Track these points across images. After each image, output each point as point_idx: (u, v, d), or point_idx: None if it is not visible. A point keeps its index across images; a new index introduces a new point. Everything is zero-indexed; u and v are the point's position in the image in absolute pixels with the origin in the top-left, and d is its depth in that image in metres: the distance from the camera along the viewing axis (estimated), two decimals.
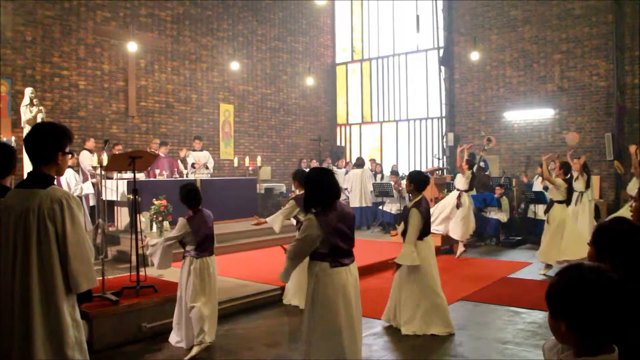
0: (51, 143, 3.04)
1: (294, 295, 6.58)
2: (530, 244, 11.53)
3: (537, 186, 12.33)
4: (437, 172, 12.68)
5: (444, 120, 16.79)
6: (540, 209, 11.71)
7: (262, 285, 7.26)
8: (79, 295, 3.01)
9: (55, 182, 3.09)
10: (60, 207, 2.95)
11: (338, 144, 19.24)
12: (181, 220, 5.08)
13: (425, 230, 5.61)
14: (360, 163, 14.27)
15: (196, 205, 5.16)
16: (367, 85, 18.89)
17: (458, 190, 10.28)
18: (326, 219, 3.60)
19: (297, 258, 3.66)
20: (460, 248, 10.25)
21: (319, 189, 3.69)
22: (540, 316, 6.13)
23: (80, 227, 2.99)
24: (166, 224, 9.29)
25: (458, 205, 10.10)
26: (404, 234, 5.61)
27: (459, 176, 10.39)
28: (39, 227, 2.94)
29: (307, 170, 6.02)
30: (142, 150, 6.81)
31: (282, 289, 7.12)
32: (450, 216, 10.22)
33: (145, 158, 6.07)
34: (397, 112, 18.22)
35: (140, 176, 10.27)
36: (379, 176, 14.90)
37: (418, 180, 5.64)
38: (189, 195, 5.13)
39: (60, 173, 3.09)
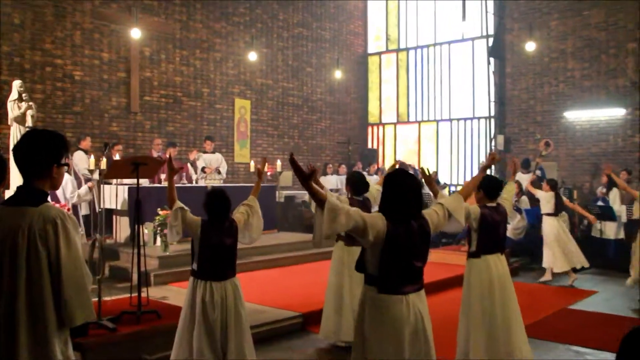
0: (46, 154, 2.99)
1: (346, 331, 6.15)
2: (595, 269, 11.22)
3: (612, 200, 11.93)
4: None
5: (492, 120, 16.80)
6: (609, 227, 11.36)
7: (281, 311, 7.15)
8: (73, 329, 2.96)
9: (49, 197, 3.04)
10: (54, 228, 2.91)
11: (369, 146, 19.38)
12: (196, 219, 4.87)
13: (488, 245, 5.48)
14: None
15: (216, 214, 4.91)
16: (404, 79, 19.00)
17: (544, 214, 10.25)
18: (396, 230, 3.53)
19: (334, 220, 3.40)
20: (572, 276, 10.06)
21: (402, 195, 3.62)
22: (608, 358, 5.92)
23: (77, 251, 2.94)
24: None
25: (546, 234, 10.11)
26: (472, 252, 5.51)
27: (541, 197, 10.26)
28: (28, 250, 2.89)
29: (343, 175, 6.13)
30: (147, 156, 6.76)
31: (310, 316, 6.91)
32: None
33: (151, 165, 6.03)
34: (438, 111, 18.25)
35: (144, 181, 10.30)
36: None
37: (489, 186, 5.53)
38: (208, 201, 4.91)
39: (56, 187, 3.05)
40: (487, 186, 5.52)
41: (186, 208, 4.88)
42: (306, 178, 3.42)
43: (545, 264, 10.16)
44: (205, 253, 4.79)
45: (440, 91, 18.17)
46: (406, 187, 3.63)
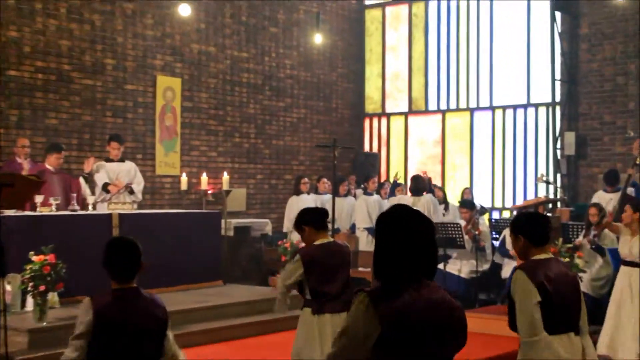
0: None
1: None
2: None
3: None
4: (544, 205, 13.16)
5: (557, 109, 16.94)
6: None
7: None
8: None
9: None
10: None
11: (366, 149, 19.62)
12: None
13: (555, 322, 5.50)
14: (420, 187, 14.65)
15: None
16: (420, 46, 19.17)
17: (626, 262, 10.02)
18: (396, 309, 3.61)
19: None
20: None
21: (404, 244, 3.72)
22: None
23: None
24: (53, 296, 9.31)
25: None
26: (513, 324, 5.61)
27: (621, 232, 10.13)
28: None
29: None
30: (14, 174, 6.18)
31: None
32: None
33: (20, 188, 6.03)
34: (473, 95, 18.35)
35: (9, 210, 10.07)
36: (439, 209, 15.27)
37: (532, 228, 5.63)
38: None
39: None
40: (529, 226, 5.67)
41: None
42: None
43: (602, 346, 9.73)
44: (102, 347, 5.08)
45: (477, 65, 18.27)
46: (412, 235, 3.75)
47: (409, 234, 3.73)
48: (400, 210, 3.85)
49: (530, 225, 5.63)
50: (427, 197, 14.43)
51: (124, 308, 5.08)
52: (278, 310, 7.17)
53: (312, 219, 6.85)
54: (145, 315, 5.15)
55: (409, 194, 14.72)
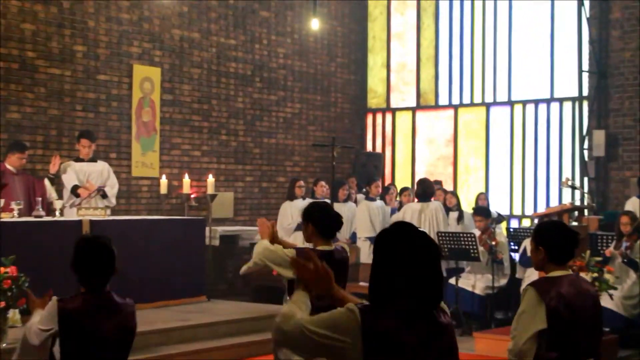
0: None
1: None
2: None
3: None
4: (570, 212, 13.20)
5: (584, 104, 17.08)
6: None
7: None
8: None
9: None
10: None
11: (369, 148, 19.81)
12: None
13: (571, 350, 5.57)
14: (428, 191, 14.71)
15: (95, 283, 5.42)
16: (430, 33, 19.30)
17: None
18: (384, 327, 3.71)
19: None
20: None
21: (403, 269, 3.78)
22: None
23: None
24: (14, 314, 9.30)
25: None
26: None
27: None
28: None
29: (310, 203, 7.39)
30: None
31: None
32: None
33: None
34: (489, 88, 18.40)
35: None
36: (451, 217, 15.42)
37: (555, 241, 5.66)
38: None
39: None
40: (552, 238, 5.70)
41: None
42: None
43: None
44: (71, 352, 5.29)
45: (494, 54, 18.38)
46: (411, 258, 3.79)
47: (409, 259, 3.74)
48: (402, 229, 3.86)
49: (554, 237, 5.62)
50: (435, 203, 14.52)
51: (92, 314, 5.22)
52: (242, 272, 7.52)
53: (320, 221, 6.85)
54: (115, 325, 5.32)
55: (415, 199, 14.77)
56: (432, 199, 14.57)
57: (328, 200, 14.28)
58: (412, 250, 3.79)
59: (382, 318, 3.75)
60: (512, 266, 13.60)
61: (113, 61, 14.93)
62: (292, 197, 15.23)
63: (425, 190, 14.52)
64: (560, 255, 5.62)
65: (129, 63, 15.14)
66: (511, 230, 15.47)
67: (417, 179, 16.42)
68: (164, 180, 13.80)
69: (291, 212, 14.47)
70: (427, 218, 14.24)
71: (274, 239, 7.02)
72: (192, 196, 14.46)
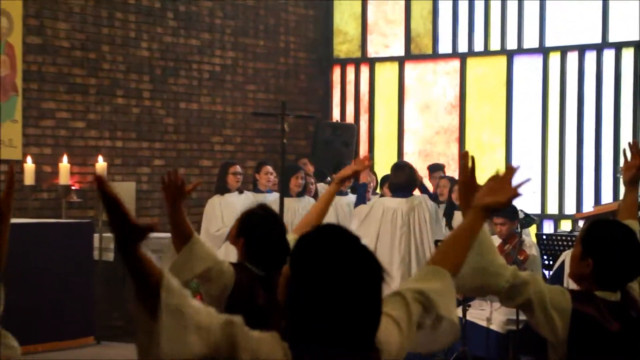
0: None
1: None
2: None
3: None
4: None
5: None
6: None
7: None
8: None
9: None
10: None
11: (336, 118, 20.82)
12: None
13: None
14: (409, 181, 15.16)
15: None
16: None
17: None
18: None
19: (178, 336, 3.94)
20: None
21: (319, 290, 3.95)
22: None
23: None
24: None
25: None
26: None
27: None
28: None
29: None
30: None
31: None
32: None
33: None
34: (512, 30, 18.93)
35: None
36: (457, 219, 15.29)
37: (612, 255, 5.80)
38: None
39: None
40: (610, 253, 5.85)
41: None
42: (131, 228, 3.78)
43: None
44: None
45: None
46: (333, 277, 3.92)
47: (326, 277, 3.84)
48: (321, 235, 4.02)
49: (614, 248, 5.74)
50: (419, 199, 15.01)
51: None
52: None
53: (253, 244, 7.17)
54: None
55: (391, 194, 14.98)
56: (416, 192, 14.79)
57: (276, 194, 14.45)
58: (334, 266, 3.86)
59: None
60: None
61: None
62: (223, 189, 15.33)
63: (407, 178, 14.70)
64: (617, 276, 5.76)
65: None
66: (543, 237, 15.44)
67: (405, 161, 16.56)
68: (29, 165, 13.89)
69: (222, 211, 14.62)
70: (406, 221, 14.69)
71: (177, 214, 7.00)
72: (73, 188, 14.52)
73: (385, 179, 16.15)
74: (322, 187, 16.04)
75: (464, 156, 5.40)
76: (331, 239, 3.97)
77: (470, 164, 5.29)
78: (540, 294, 5.38)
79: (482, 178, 15.60)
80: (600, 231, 5.91)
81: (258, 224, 7.25)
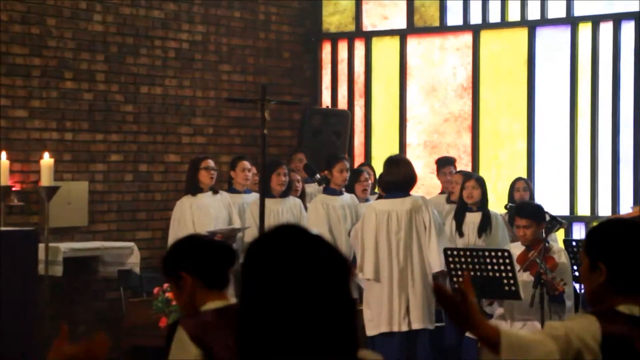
0: None
1: None
2: None
3: None
4: None
5: None
6: None
7: None
8: None
9: None
10: None
11: (327, 104, 21.10)
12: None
13: None
14: (406, 179, 15.23)
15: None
16: None
17: None
18: None
19: None
20: None
21: (274, 302, 3.95)
22: None
23: None
24: None
25: None
26: None
27: None
28: None
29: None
30: None
31: None
32: None
33: None
34: None
35: None
36: (470, 221, 16.22)
37: (625, 255, 5.89)
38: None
39: None
40: (623, 253, 5.92)
41: None
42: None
43: None
44: None
45: None
46: (288, 286, 3.95)
47: (282, 284, 3.86)
48: (276, 237, 4.02)
49: (626, 247, 5.78)
50: (413, 199, 14.97)
51: None
52: None
53: (199, 263, 7.02)
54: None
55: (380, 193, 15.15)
56: (413, 192, 14.85)
57: (256, 194, 14.71)
58: (293, 268, 3.88)
59: None
60: (577, 305, 13.71)
61: None
62: (194, 188, 15.55)
63: (402, 175, 14.85)
64: (635, 273, 5.81)
65: None
66: (573, 243, 15.49)
67: (408, 154, 16.98)
68: None
69: (193, 214, 14.81)
70: (402, 226, 14.74)
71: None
72: (13, 189, 14.71)
73: (381, 176, 15.98)
74: (312, 188, 16.42)
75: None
76: (285, 239, 3.98)
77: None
78: (581, 339, 5.34)
79: (500, 173, 16.24)
80: (604, 230, 6.01)
81: (191, 246, 7.20)
